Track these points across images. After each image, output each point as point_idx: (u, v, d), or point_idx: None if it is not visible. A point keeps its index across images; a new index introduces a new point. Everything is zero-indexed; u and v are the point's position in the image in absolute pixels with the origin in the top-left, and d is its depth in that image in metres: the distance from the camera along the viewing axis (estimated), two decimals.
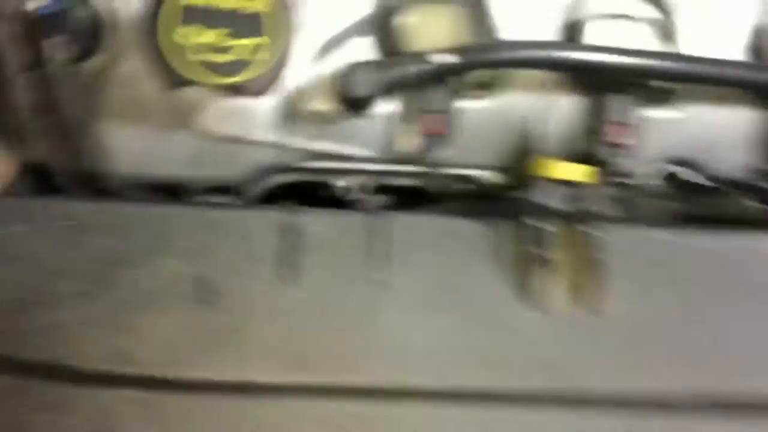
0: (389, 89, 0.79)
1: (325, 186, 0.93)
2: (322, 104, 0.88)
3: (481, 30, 0.88)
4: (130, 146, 0.87)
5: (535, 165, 0.87)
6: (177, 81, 0.71)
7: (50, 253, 0.72)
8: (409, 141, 0.90)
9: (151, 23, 0.70)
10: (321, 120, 0.89)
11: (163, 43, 0.70)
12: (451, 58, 0.78)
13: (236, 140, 0.87)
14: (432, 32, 0.87)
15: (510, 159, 0.93)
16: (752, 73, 0.83)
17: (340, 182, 0.94)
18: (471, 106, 0.90)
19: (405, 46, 0.85)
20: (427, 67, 0.78)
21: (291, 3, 0.73)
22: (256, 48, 0.71)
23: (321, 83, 0.88)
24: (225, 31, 0.71)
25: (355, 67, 0.78)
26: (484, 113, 0.90)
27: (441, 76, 0.81)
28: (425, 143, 0.87)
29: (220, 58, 0.71)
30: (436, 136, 0.87)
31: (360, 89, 0.78)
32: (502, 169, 0.94)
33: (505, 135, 0.91)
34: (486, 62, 0.79)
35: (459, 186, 0.93)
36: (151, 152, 0.87)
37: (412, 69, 0.78)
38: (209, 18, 0.71)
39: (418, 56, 0.79)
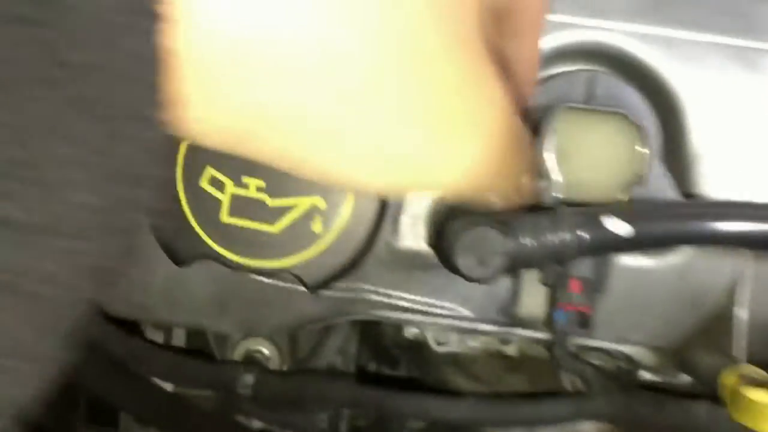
0: (521, 266, 0.50)
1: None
2: (411, 243, 0.60)
3: (670, 159, 0.58)
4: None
5: (734, 383, 0.57)
6: (197, 253, 0.44)
7: None
8: (536, 308, 0.61)
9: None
10: (404, 262, 0.61)
11: (189, 188, 0.42)
12: (625, 228, 0.48)
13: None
14: (591, 156, 0.57)
15: (680, 342, 0.63)
16: None
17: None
18: (630, 263, 0.60)
19: (542, 176, 0.56)
20: (583, 238, 0.49)
21: None
22: (318, 214, 0.43)
23: (413, 216, 0.60)
24: (275, 181, 0.43)
25: (471, 230, 0.49)
26: (649, 274, 0.60)
27: (603, 251, 0.52)
28: (558, 319, 0.58)
29: (266, 228, 0.43)
30: (577, 313, 0.58)
31: (476, 271, 0.49)
32: (665, 352, 0.64)
33: (676, 308, 0.61)
34: (681, 237, 0.49)
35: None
36: (158, 289, 0.60)
37: (560, 240, 0.49)
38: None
39: (572, 219, 0.50)
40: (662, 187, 0.58)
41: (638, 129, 0.57)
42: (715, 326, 0.62)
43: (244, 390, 0.61)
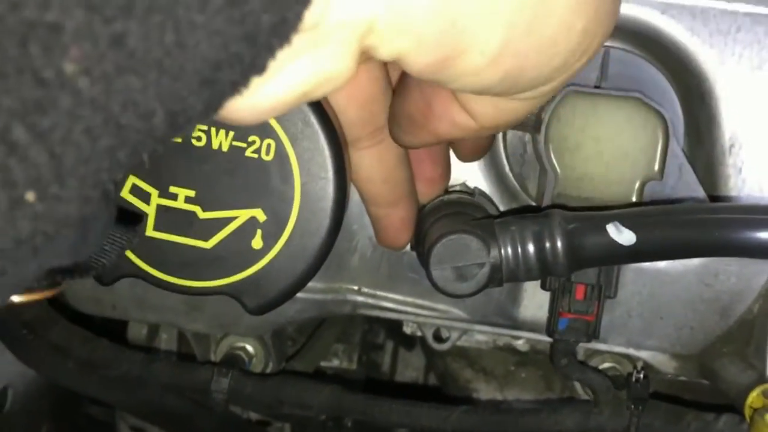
0: (506, 280, 0.44)
1: None
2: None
3: (696, 151, 0.51)
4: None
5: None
6: (121, 271, 0.39)
7: None
8: (537, 311, 0.55)
9: None
10: (391, 261, 0.55)
11: None
12: (630, 237, 0.42)
13: None
14: (601, 147, 0.50)
15: (702, 349, 0.56)
16: None
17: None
18: (644, 265, 0.53)
19: (549, 168, 0.49)
20: (578, 247, 0.42)
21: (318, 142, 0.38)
22: (258, 228, 0.38)
23: None
24: (207, 191, 0.38)
25: (447, 238, 0.42)
26: (665, 278, 0.54)
27: (602, 262, 0.45)
28: (561, 327, 0.52)
29: (197, 243, 0.38)
30: (580, 321, 0.52)
31: (452, 285, 0.43)
32: (685, 359, 0.58)
33: (698, 314, 0.55)
34: (702, 249, 0.42)
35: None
36: (126, 285, 0.56)
37: (551, 249, 0.42)
38: (184, 161, 0.37)
39: (565, 225, 0.43)
40: (684, 184, 0.50)
41: (657, 116, 0.49)
42: (741, 334, 0.55)
43: (218, 395, 0.56)
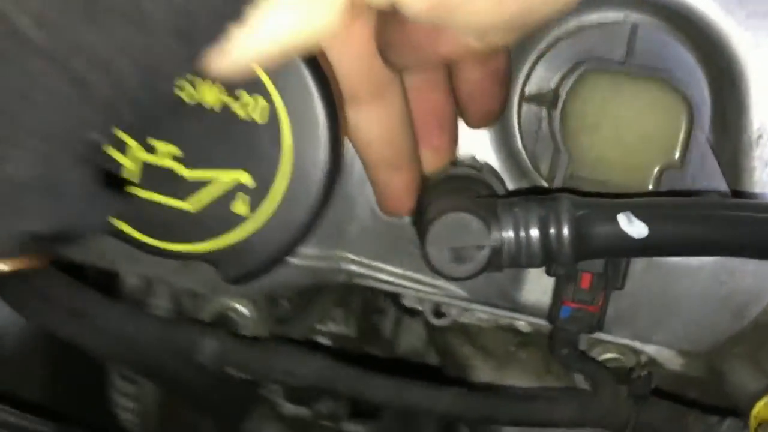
0: (506, 265, 0.41)
1: None
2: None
3: (721, 140, 0.48)
4: None
5: None
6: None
7: None
8: (541, 295, 0.53)
9: None
10: (392, 231, 0.53)
11: None
12: (641, 229, 0.39)
13: None
14: (621, 129, 0.47)
15: (712, 348, 0.54)
16: None
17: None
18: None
19: (562, 148, 0.46)
20: (585, 236, 0.40)
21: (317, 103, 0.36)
22: (242, 192, 0.35)
23: None
24: (194, 147, 0.36)
25: (446, 217, 0.40)
26: (677, 272, 0.51)
27: (609, 254, 0.42)
28: (563, 316, 0.50)
29: (178, 204, 0.36)
30: (583, 311, 0.49)
31: (449, 267, 0.40)
32: (693, 357, 0.55)
33: (709, 312, 0.52)
34: (717, 247, 0.39)
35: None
36: None
37: (555, 235, 0.40)
38: (172, 117, 0.35)
39: (573, 211, 0.40)
40: (706, 174, 0.47)
41: (682, 100, 0.46)
42: (755, 336, 0.52)
43: (203, 358, 0.55)
